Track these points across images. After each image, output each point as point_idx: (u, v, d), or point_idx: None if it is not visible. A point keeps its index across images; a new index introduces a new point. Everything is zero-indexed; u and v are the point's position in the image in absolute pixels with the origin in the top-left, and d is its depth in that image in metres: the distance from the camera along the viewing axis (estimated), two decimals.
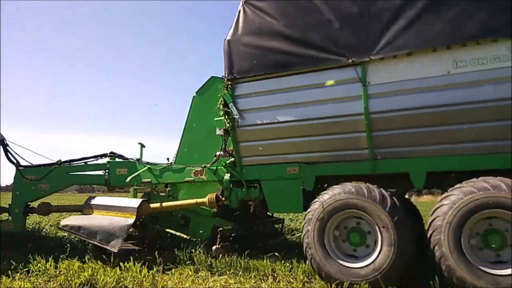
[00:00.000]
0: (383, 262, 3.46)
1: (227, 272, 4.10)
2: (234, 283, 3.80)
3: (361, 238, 3.72)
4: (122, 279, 3.80)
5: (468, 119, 3.45)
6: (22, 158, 5.57)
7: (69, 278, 3.82)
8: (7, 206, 5.52)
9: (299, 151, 4.23)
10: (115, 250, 4.47)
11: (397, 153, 3.78)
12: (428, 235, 3.37)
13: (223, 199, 4.62)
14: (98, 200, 5.28)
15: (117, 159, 5.62)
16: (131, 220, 4.69)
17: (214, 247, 4.56)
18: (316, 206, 3.81)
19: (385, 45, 3.67)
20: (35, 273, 4.12)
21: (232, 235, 4.77)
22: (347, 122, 3.88)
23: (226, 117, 4.44)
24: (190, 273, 4.03)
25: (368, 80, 3.78)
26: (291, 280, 3.86)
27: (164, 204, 4.94)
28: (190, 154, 5.16)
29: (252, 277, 3.94)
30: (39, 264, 4.22)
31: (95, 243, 4.69)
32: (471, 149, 3.50)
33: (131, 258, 4.33)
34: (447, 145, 3.58)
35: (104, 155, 5.62)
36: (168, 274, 4.09)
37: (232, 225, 4.86)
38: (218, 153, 4.72)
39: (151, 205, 4.94)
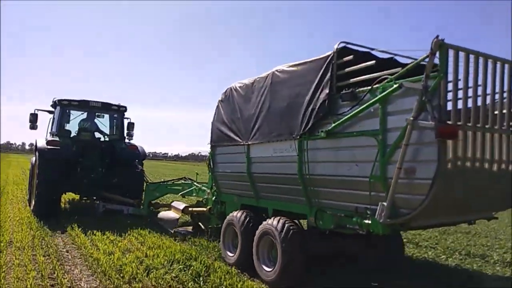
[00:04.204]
0: None
1: None
2: None
3: None
4: None
5: (283, 182, 6.04)
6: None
7: None
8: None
9: (235, 188, 7.47)
10: (171, 231, 8.82)
11: (263, 196, 6.62)
12: None
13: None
14: (174, 203, 9.80)
15: (187, 181, 10.01)
16: (178, 215, 8.97)
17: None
18: None
19: (251, 137, 6.59)
20: None
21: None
22: (243, 176, 6.92)
23: (210, 166, 8.10)
24: None
25: (250, 154, 6.74)
26: None
27: (194, 209, 8.98)
28: (209, 183, 8.95)
29: None
30: None
31: (164, 226, 9.17)
32: (289, 199, 6.07)
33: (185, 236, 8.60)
34: (279, 195, 6.24)
35: (181, 179, 10.14)
36: None
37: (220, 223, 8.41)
38: (212, 184, 8.39)
39: (189, 209, 9.06)
